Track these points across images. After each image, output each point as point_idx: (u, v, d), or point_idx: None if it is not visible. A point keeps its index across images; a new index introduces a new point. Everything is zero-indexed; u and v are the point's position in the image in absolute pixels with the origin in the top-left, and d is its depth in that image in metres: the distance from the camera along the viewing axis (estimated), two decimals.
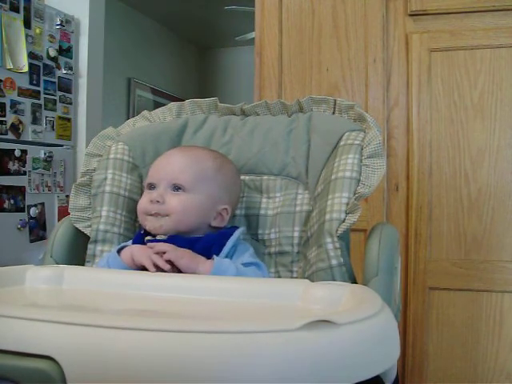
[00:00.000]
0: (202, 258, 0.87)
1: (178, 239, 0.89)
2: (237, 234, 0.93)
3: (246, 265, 0.88)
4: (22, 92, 2.52)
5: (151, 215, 0.93)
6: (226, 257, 0.90)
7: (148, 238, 0.93)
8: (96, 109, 3.02)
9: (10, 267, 0.81)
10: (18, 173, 2.47)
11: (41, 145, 2.64)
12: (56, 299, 0.77)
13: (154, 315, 0.67)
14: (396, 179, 1.57)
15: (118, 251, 0.92)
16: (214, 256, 0.87)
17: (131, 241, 0.97)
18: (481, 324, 1.49)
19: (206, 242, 0.91)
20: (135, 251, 0.88)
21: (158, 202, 0.92)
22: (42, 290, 0.79)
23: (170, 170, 0.95)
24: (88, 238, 1.01)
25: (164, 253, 0.85)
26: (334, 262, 0.84)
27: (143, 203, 0.95)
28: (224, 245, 0.91)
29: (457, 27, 1.53)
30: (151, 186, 0.96)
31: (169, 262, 0.85)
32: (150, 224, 0.93)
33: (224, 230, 0.95)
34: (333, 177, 0.91)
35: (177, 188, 0.94)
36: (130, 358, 0.48)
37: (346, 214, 0.86)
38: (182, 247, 0.88)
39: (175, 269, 0.85)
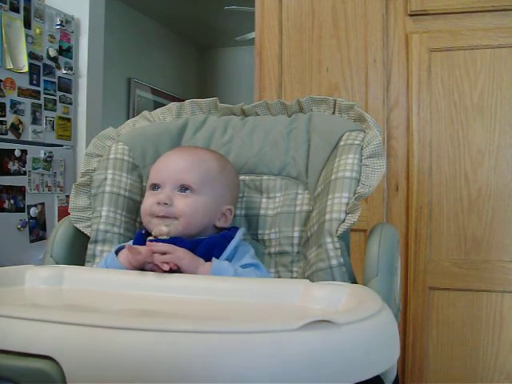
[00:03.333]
0: (201, 260, 0.87)
1: (180, 241, 0.89)
2: (238, 235, 0.93)
3: (244, 266, 0.88)
4: (22, 92, 2.52)
5: (157, 217, 0.92)
6: (227, 259, 0.90)
7: (150, 238, 0.92)
8: (96, 109, 3.02)
9: (10, 267, 0.81)
10: (18, 173, 2.47)
11: (41, 145, 2.64)
12: (56, 299, 0.77)
13: (153, 315, 0.67)
14: (396, 179, 1.57)
15: (117, 252, 0.91)
16: (213, 258, 0.87)
17: (131, 241, 0.97)
18: (481, 324, 1.49)
19: (207, 245, 0.91)
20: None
21: (165, 203, 0.91)
22: (41, 290, 0.79)
23: (175, 170, 0.94)
24: (88, 238, 1.01)
25: (164, 253, 0.84)
26: (333, 262, 0.84)
27: (149, 204, 0.93)
28: (225, 247, 0.91)
29: (457, 27, 1.53)
30: (155, 187, 0.95)
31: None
32: (156, 229, 0.90)
33: (225, 232, 0.95)
34: (333, 177, 0.91)
35: (184, 189, 0.93)
36: (130, 357, 0.48)
37: (346, 214, 0.86)
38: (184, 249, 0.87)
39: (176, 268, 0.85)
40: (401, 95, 1.57)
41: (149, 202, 0.94)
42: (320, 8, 1.63)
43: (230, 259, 0.90)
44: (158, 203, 0.91)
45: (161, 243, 0.86)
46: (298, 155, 1.02)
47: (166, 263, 0.82)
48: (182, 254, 0.85)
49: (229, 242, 0.91)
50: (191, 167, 0.94)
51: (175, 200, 0.92)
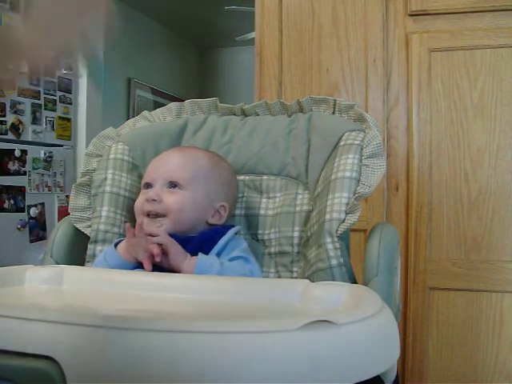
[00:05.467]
0: (188, 255, 0.87)
1: (173, 237, 0.89)
2: (230, 232, 0.93)
3: (233, 259, 0.88)
4: (22, 92, 2.52)
5: (148, 217, 0.93)
6: (217, 254, 0.90)
7: None
8: (96, 109, 3.02)
9: (10, 267, 0.81)
10: (18, 173, 2.47)
11: (41, 145, 2.64)
12: (56, 299, 0.77)
13: (153, 315, 0.67)
14: (396, 179, 1.57)
15: (116, 245, 0.92)
16: (200, 253, 0.87)
17: None
18: (481, 324, 1.49)
19: (198, 240, 0.91)
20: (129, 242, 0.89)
21: (154, 200, 0.92)
22: (41, 290, 0.79)
23: (165, 168, 0.96)
24: (88, 238, 1.01)
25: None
26: (333, 262, 0.84)
27: (140, 202, 0.95)
28: (216, 243, 0.91)
29: (457, 27, 1.53)
30: (147, 186, 0.96)
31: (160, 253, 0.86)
32: (147, 228, 0.91)
33: (217, 228, 0.95)
34: (333, 177, 0.91)
35: (173, 185, 0.94)
36: (130, 357, 0.48)
37: (346, 214, 0.86)
38: None
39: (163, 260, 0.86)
40: (401, 95, 1.57)
41: (140, 200, 0.96)
42: (320, 8, 1.63)
43: (219, 254, 0.90)
44: (147, 200, 0.92)
45: (155, 229, 0.89)
46: (297, 155, 1.02)
47: (157, 250, 0.85)
48: (172, 242, 0.86)
49: (220, 238, 0.91)
50: (181, 165, 0.95)
51: (164, 196, 0.93)
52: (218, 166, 0.99)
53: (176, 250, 0.86)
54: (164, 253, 0.86)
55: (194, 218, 0.94)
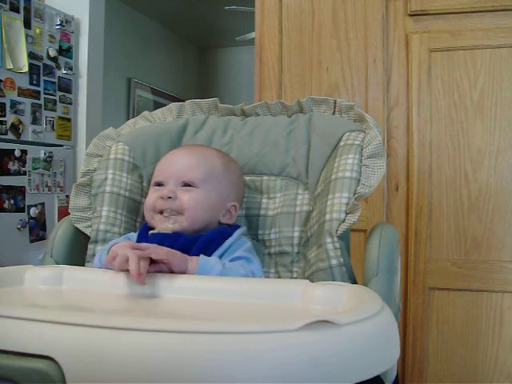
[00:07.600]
0: (188, 257, 0.83)
1: (181, 236, 0.89)
2: (236, 234, 0.93)
3: (234, 259, 0.87)
4: (22, 92, 2.52)
5: (161, 214, 0.92)
6: (221, 255, 0.89)
7: (152, 232, 0.91)
8: (96, 109, 3.02)
9: (10, 267, 0.81)
10: (18, 173, 2.47)
11: (41, 145, 2.64)
12: (55, 299, 0.77)
13: (153, 315, 0.67)
14: (396, 179, 1.57)
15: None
16: (201, 255, 0.85)
17: (132, 233, 0.97)
18: (481, 324, 1.49)
19: (204, 241, 0.90)
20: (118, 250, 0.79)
21: (169, 197, 0.91)
22: (41, 290, 0.79)
23: (178, 168, 0.95)
24: (88, 238, 1.01)
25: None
26: (333, 262, 0.84)
27: (152, 200, 0.93)
28: (221, 244, 0.90)
29: (457, 27, 1.53)
30: (159, 184, 0.95)
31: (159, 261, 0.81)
32: (161, 225, 0.90)
33: (224, 228, 0.94)
34: (333, 177, 0.91)
35: (187, 185, 0.93)
36: (130, 357, 0.48)
37: (346, 214, 0.86)
38: (184, 244, 0.87)
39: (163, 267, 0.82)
40: (401, 95, 1.57)
41: (152, 197, 0.94)
42: (320, 8, 1.63)
43: (223, 255, 0.89)
44: (162, 198, 0.92)
45: (144, 244, 0.81)
46: (298, 156, 1.02)
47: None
48: (172, 253, 0.80)
49: (225, 238, 0.91)
50: (194, 165, 0.95)
51: (179, 194, 0.92)
52: (229, 167, 0.99)
53: (176, 258, 0.81)
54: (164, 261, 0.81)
55: (208, 217, 0.94)
